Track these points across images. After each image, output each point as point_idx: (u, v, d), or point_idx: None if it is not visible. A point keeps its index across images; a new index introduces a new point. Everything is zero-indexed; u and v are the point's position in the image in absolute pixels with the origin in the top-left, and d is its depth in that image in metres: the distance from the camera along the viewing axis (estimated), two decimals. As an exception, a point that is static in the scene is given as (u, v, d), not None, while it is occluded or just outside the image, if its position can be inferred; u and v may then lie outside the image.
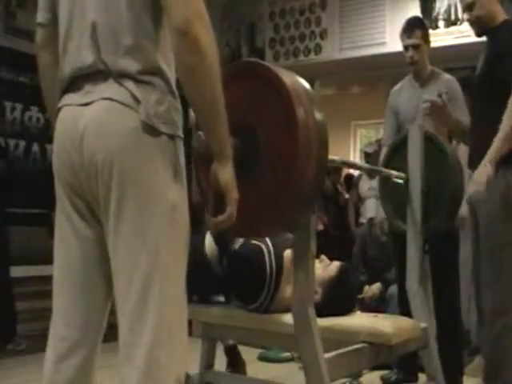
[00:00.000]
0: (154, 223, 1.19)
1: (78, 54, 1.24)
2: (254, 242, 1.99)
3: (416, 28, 3.09)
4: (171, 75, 1.25)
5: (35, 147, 4.91)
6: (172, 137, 1.22)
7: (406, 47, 3.09)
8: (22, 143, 4.82)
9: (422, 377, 2.40)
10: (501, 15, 2.35)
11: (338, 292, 2.05)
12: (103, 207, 1.22)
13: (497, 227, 2.06)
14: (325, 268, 2.10)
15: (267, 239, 2.01)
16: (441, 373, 2.22)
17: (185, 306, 1.25)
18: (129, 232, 1.19)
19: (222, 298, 2.27)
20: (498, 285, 1.99)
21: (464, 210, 2.76)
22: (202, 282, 2.11)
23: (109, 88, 1.20)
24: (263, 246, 1.96)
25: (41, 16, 1.39)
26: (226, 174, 1.24)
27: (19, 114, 4.80)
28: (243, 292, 1.98)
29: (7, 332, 4.20)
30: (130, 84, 1.19)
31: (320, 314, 1.99)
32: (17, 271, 4.28)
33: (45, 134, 4.92)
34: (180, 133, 1.25)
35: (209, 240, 2.10)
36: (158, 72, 1.22)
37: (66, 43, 1.27)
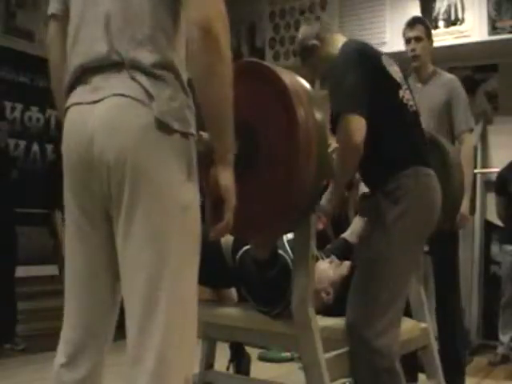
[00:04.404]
0: (166, 223, 1.17)
1: (90, 44, 1.21)
2: (280, 252, 1.95)
3: (419, 23, 3.11)
4: (183, 72, 1.22)
5: (35, 147, 4.91)
6: (185, 135, 1.19)
7: (408, 40, 3.07)
8: (22, 143, 4.83)
9: (422, 377, 2.39)
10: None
11: None
12: (115, 207, 1.19)
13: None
14: (336, 268, 2.08)
15: (288, 248, 1.97)
16: (441, 373, 2.21)
17: (195, 306, 1.23)
18: (140, 232, 1.17)
19: (233, 290, 2.25)
20: (364, 297, 1.84)
21: (464, 207, 2.75)
22: (214, 273, 2.09)
23: (121, 83, 1.17)
24: (289, 260, 1.92)
25: (53, 7, 1.36)
26: (226, 179, 1.21)
27: (19, 114, 4.80)
28: (261, 296, 1.94)
29: (6, 332, 4.21)
30: (143, 79, 1.16)
31: (333, 315, 1.99)
32: (17, 271, 4.27)
33: (45, 134, 4.93)
34: (193, 131, 1.21)
35: None
36: (170, 68, 1.19)
37: (78, 32, 1.24)
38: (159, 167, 1.16)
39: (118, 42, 1.18)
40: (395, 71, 2.00)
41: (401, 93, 1.97)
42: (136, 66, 1.17)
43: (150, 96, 1.15)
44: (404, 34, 3.13)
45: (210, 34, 1.12)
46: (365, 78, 1.86)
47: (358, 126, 1.81)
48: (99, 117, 1.17)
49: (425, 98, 2.99)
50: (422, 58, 3.06)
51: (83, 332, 1.30)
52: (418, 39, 3.05)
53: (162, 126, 1.16)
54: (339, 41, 2.01)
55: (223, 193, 1.21)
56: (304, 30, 2.11)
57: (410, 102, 2.01)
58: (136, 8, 1.19)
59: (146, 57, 1.17)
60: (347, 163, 1.88)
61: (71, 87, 1.25)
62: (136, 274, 1.18)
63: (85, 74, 1.22)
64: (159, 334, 1.15)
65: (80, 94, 1.23)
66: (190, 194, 1.20)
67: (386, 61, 1.99)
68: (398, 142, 1.93)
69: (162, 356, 1.15)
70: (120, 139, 1.15)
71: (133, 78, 1.16)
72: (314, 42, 2.03)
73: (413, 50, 3.05)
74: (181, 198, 1.18)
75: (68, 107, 1.25)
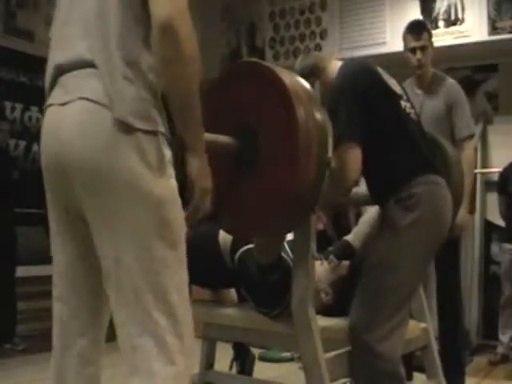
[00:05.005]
0: (140, 221, 1.19)
1: (69, 45, 1.25)
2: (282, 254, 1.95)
3: (424, 30, 3.03)
4: (151, 73, 1.24)
5: (35, 147, 4.91)
6: (150, 133, 1.21)
7: (413, 50, 2.99)
8: (22, 143, 4.82)
9: (422, 377, 2.39)
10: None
11: (350, 291, 2.03)
12: (88, 210, 1.22)
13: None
14: (335, 269, 2.08)
15: (288, 249, 1.97)
16: (441, 373, 2.21)
17: (186, 295, 1.25)
18: (115, 234, 1.19)
19: (233, 291, 2.25)
20: (369, 302, 1.84)
21: (461, 216, 2.72)
22: (213, 274, 2.09)
23: (88, 84, 1.20)
24: (289, 261, 1.92)
25: None
26: (194, 164, 1.25)
27: (19, 114, 4.80)
28: (262, 297, 1.94)
29: (6, 332, 4.21)
30: (109, 80, 1.19)
31: (332, 315, 1.99)
32: (17, 271, 4.28)
33: (45, 134, 4.92)
34: (160, 128, 1.24)
35: (222, 232, 2.06)
36: (137, 68, 1.21)
37: (61, 34, 1.29)
38: (124, 168, 1.18)
39: (92, 42, 1.22)
40: (394, 84, 2.03)
41: (402, 103, 1.99)
42: (107, 65, 1.20)
43: (112, 97, 1.18)
44: (407, 42, 3.03)
45: (169, 31, 1.16)
46: (363, 97, 1.87)
47: (354, 161, 1.84)
48: (66, 120, 1.21)
49: (426, 107, 2.98)
50: (426, 65, 3.01)
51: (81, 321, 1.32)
52: (423, 48, 2.98)
53: (124, 127, 1.18)
54: (336, 65, 2.02)
55: (192, 179, 1.25)
56: (299, 65, 2.11)
57: (412, 112, 2.03)
58: (108, 10, 1.22)
59: (115, 58, 1.20)
60: (335, 194, 1.92)
61: (50, 88, 1.30)
62: (116, 277, 1.20)
63: (61, 74, 1.26)
64: (152, 337, 1.17)
65: (54, 95, 1.27)
66: (163, 190, 1.22)
67: (384, 75, 2.01)
68: (406, 152, 1.94)
69: (158, 341, 1.17)
70: (84, 144, 1.18)
71: (100, 79, 1.19)
72: (312, 78, 2.03)
73: (419, 60, 2.98)
74: (151, 195, 1.19)
75: (45, 109, 1.30)
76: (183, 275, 1.25)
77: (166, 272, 1.20)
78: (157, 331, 1.18)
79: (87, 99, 1.19)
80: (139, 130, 1.19)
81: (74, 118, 1.20)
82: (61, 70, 1.26)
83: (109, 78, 1.19)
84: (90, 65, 1.21)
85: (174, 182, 1.25)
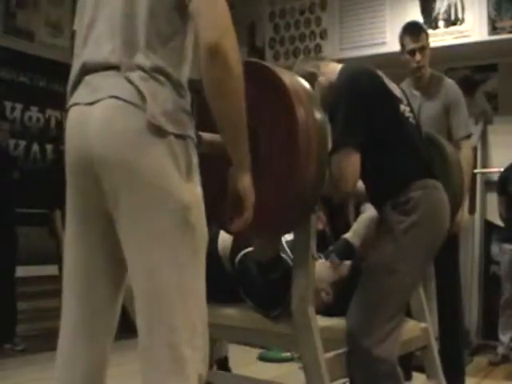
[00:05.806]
0: (165, 224, 1.18)
1: (97, 45, 1.24)
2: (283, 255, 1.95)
3: (421, 31, 3.04)
4: (180, 76, 1.24)
5: (35, 147, 4.91)
6: (181, 137, 1.20)
7: (412, 51, 2.99)
8: (22, 143, 4.83)
9: (422, 377, 2.39)
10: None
11: (351, 291, 2.03)
12: (113, 209, 1.21)
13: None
14: (336, 269, 2.08)
15: (287, 249, 1.97)
16: (441, 373, 2.21)
17: (204, 305, 1.24)
18: (140, 234, 1.18)
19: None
20: (368, 303, 1.84)
21: (459, 215, 2.72)
22: (212, 279, 2.08)
23: (117, 84, 1.19)
24: (289, 261, 1.93)
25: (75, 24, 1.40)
26: (244, 182, 1.29)
27: (19, 114, 4.80)
28: (262, 299, 1.94)
29: (6, 332, 4.21)
30: (138, 81, 1.18)
31: (333, 315, 1.99)
32: (17, 271, 4.27)
33: (45, 134, 4.93)
34: (190, 133, 1.23)
35: (222, 238, 2.07)
36: (165, 72, 1.21)
37: (88, 34, 1.27)
38: (154, 170, 1.17)
39: (119, 43, 1.21)
40: (394, 87, 2.03)
41: (402, 107, 1.99)
42: (132, 68, 1.19)
43: (144, 98, 1.17)
44: (405, 44, 3.02)
45: (218, 53, 1.14)
46: (364, 99, 1.87)
47: (353, 165, 1.83)
48: (95, 119, 1.19)
49: (425, 108, 2.98)
50: (425, 67, 3.01)
51: (83, 330, 1.30)
52: (422, 49, 2.98)
53: (155, 129, 1.17)
54: (336, 67, 2.03)
55: (242, 194, 1.30)
56: (299, 65, 2.11)
57: (411, 116, 2.03)
58: (136, 11, 1.21)
59: (143, 60, 1.19)
60: (334, 196, 1.98)
61: (74, 87, 1.28)
62: (140, 277, 1.20)
63: (87, 73, 1.25)
64: (168, 333, 1.16)
65: (80, 94, 1.26)
66: (190, 196, 1.21)
67: (385, 78, 2.01)
68: (404, 156, 1.94)
69: (174, 353, 1.16)
70: (115, 142, 1.17)
71: (129, 80, 1.18)
72: (312, 70, 2.03)
73: (419, 61, 2.97)
74: (178, 199, 1.18)
75: (69, 108, 1.28)
76: (201, 284, 1.24)
77: (186, 278, 1.20)
78: (175, 342, 1.16)
79: (116, 97, 1.18)
80: (171, 133, 1.18)
81: (101, 115, 1.19)
82: (87, 69, 1.25)
83: (138, 78, 1.18)
84: (115, 66, 1.20)
85: (199, 189, 1.25)
